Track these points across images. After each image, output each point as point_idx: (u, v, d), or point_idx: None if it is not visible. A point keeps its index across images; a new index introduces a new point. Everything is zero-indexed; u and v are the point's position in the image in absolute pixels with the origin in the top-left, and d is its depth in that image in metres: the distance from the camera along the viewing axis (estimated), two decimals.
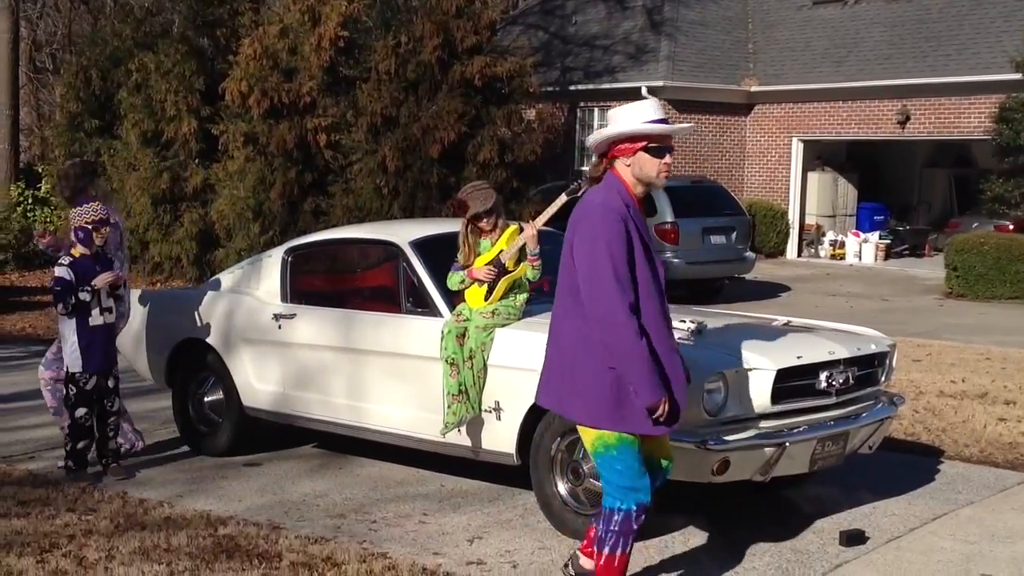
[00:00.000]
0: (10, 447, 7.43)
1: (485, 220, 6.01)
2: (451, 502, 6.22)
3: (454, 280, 6.05)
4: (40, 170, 20.98)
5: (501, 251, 5.96)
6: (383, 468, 6.90)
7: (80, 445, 6.67)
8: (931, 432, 7.85)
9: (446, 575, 5.03)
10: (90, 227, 6.56)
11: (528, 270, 6.00)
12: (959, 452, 7.35)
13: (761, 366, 5.37)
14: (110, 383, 6.72)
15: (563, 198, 5.80)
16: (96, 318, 6.60)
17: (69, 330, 6.61)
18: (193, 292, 7.68)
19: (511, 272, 5.97)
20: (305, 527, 5.75)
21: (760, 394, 5.35)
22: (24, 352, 11.53)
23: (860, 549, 5.46)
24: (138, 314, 7.54)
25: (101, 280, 6.57)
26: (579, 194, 5.80)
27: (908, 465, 6.99)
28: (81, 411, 6.63)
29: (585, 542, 4.83)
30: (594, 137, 4.54)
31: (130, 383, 7.27)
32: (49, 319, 12.99)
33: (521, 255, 5.98)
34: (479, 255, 6.01)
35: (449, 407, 5.92)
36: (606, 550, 4.46)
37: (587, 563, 4.76)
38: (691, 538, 5.62)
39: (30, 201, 20.40)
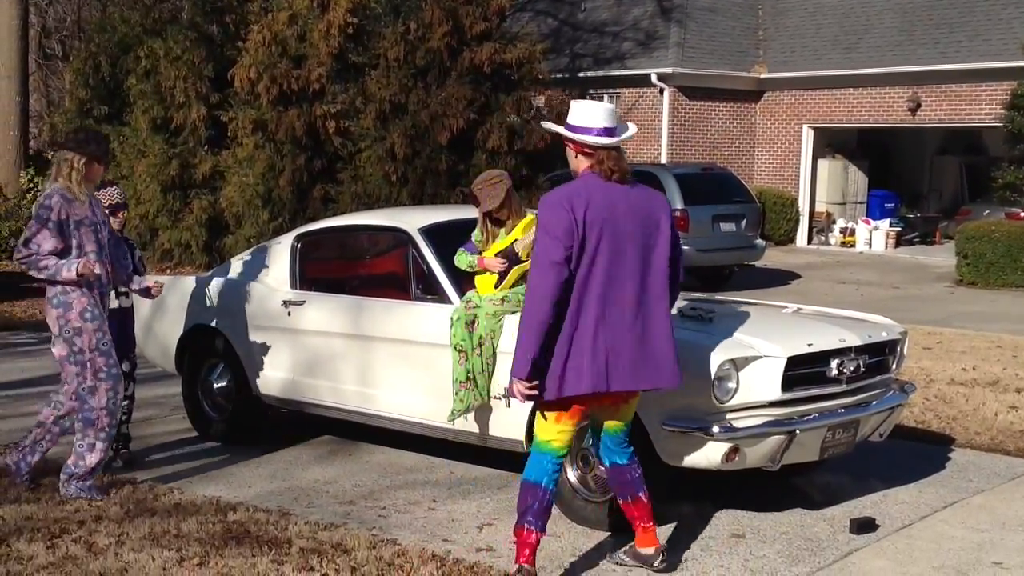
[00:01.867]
0: (21, 433, 7.42)
1: (498, 213, 6.00)
2: (461, 489, 6.22)
3: (462, 259, 6.03)
4: (50, 157, 20.96)
5: (515, 240, 5.95)
6: (393, 455, 6.91)
7: None
8: (942, 420, 7.83)
9: (456, 562, 5.02)
10: (107, 211, 6.59)
11: None
12: (970, 440, 7.33)
13: (771, 353, 5.34)
14: (124, 367, 6.73)
15: None
16: (112, 301, 6.61)
17: None
18: (202, 279, 7.67)
19: (524, 262, 5.95)
20: (315, 513, 5.75)
21: (770, 382, 5.33)
22: (34, 338, 11.55)
23: (870, 537, 5.45)
24: (147, 301, 7.53)
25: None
26: None
27: (918, 453, 6.98)
28: None
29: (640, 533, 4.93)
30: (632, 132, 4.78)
31: (140, 369, 7.26)
32: None
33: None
34: (496, 238, 6.00)
35: (456, 394, 5.91)
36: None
37: (647, 549, 4.90)
38: (700, 525, 5.61)
39: (40, 188, 20.43)
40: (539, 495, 4.69)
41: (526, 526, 4.70)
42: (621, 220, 4.59)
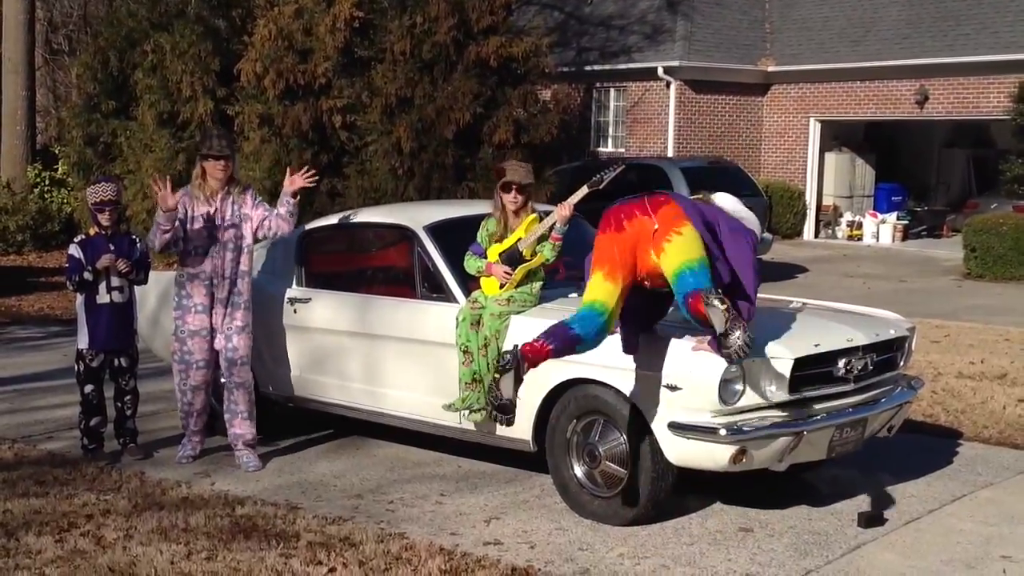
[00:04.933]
0: (29, 427, 7.47)
1: (514, 192, 5.98)
2: (468, 483, 6.22)
3: (471, 264, 6.03)
4: (57, 152, 20.98)
5: (519, 239, 5.95)
6: (400, 449, 6.91)
7: (93, 422, 6.73)
8: (950, 414, 7.82)
9: (463, 555, 5.03)
10: (93, 208, 6.64)
11: (548, 249, 5.96)
12: (978, 433, 7.31)
13: (779, 355, 5.31)
14: (124, 362, 6.74)
15: (584, 190, 5.82)
16: (103, 296, 6.64)
17: (80, 307, 6.70)
18: None
19: (528, 261, 5.94)
20: (323, 507, 5.77)
21: (778, 383, 5.31)
22: (42, 332, 11.58)
23: (878, 531, 5.45)
24: (154, 295, 7.55)
25: (101, 261, 6.59)
26: (600, 186, 5.82)
27: (927, 447, 6.97)
28: (88, 388, 6.70)
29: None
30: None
31: (146, 364, 7.27)
32: (67, 299, 13.02)
33: (539, 242, 5.96)
34: (512, 230, 6.00)
35: (462, 393, 5.92)
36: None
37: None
38: (708, 519, 5.62)
39: (47, 183, 20.44)
40: (566, 331, 5.01)
41: (545, 341, 4.96)
42: None
